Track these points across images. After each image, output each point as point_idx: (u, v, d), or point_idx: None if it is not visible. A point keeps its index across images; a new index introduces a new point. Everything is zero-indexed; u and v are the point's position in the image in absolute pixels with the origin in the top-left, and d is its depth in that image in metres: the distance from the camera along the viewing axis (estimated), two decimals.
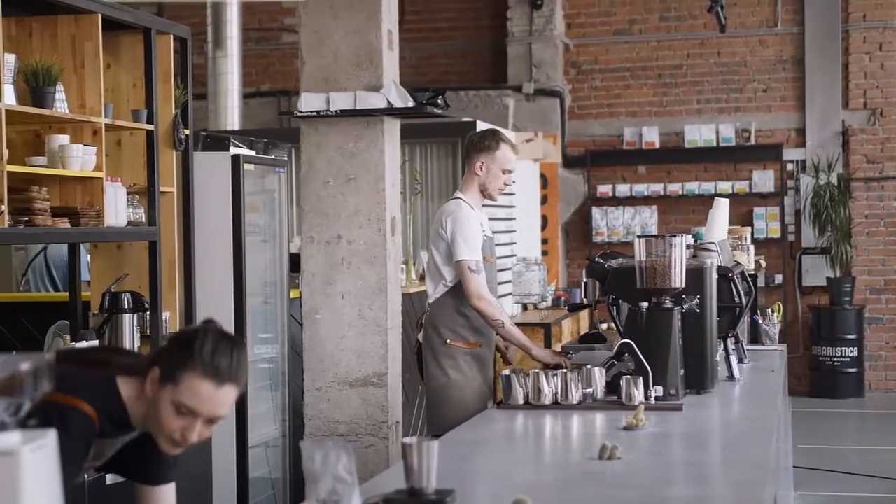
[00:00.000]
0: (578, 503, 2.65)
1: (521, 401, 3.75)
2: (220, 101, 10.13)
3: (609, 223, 11.29)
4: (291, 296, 6.11)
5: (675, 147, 11.31)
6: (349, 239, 4.85)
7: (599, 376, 3.79)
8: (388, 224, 4.86)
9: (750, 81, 11.30)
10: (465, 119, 9.30)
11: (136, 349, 4.96)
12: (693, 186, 11.15)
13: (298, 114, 4.86)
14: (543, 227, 10.78)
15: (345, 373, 4.85)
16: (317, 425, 4.89)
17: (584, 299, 4.66)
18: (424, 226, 8.68)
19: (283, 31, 12.04)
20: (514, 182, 4.99)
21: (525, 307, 9.03)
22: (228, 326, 5.55)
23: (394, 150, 4.97)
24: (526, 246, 9.77)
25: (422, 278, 7.12)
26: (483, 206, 4.84)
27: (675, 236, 3.89)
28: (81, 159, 4.59)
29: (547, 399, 3.72)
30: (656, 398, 3.73)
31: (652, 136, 11.30)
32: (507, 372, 3.82)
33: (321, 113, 4.81)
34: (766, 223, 11.05)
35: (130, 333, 4.90)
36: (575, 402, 3.71)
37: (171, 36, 5.35)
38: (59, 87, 4.54)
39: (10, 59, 4.35)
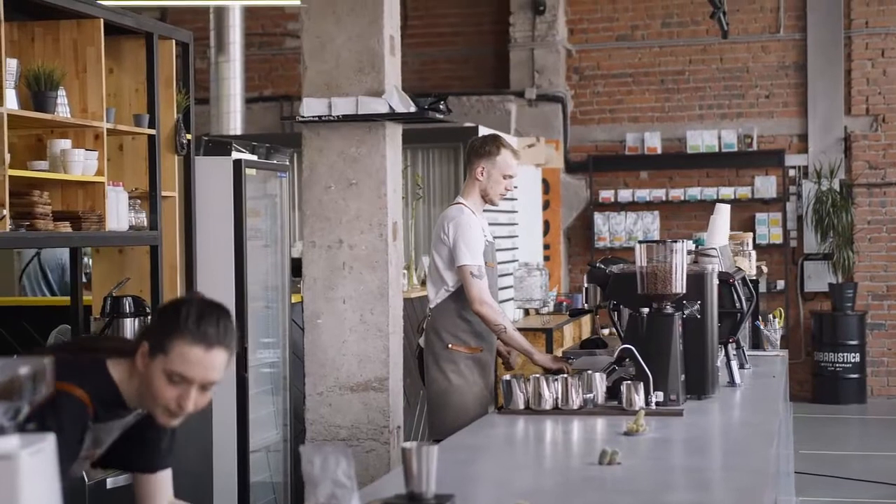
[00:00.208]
0: None
1: (521, 406, 3.75)
2: (223, 105, 10.14)
3: (611, 228, 11.29)
4: (293, 300, 6.11)
5: (677, 153, 11.32)
6: (351, 244, 4.86)
7: (600, 381, 3.79)
8: (390, 229, 4.86)
9: (752, 87, 11.31)
10: (468, 124, 9.30)
11: None
12: (695, 192, 11.15)
13: (300, 119, 4.87)
14: (545, 232, 10.78)
15: (346, 377, 4.86)
16: (318, 430, 4.89)
17: (586, 305, 4.66)
18: (426, 231, 8.68)
19: (285, 35, 12.06)
20: (515, 188, 5.00)
21: (527, 312, 9.03)
22: None
23: (395, 155, 4.97)
24: (528, 251, 9.77)
25: (423, 283, 7.12)
26: (484, 211, 4.85)
27: (675, 242, 3.90)
28: (83, 164, 4.60)
29: (547, 404, 3.72)
30: (657, 403, 3.73)
31: (654, 142, 11.30)
32: (507, 377, 3.82)
33: (323, 118, 4.81)
34: (769, 229, 11.05)
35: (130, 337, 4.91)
36: (575, 408, 3.71)
37: (173, 41, 5.36)
38: (61, 92, 4.55)
39: (13, 63, 4.36)
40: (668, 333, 3.82)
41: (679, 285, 3.85)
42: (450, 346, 4.67)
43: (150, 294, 5.11)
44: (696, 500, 2.75)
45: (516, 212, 9.33)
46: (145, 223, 5.06)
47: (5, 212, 4.14)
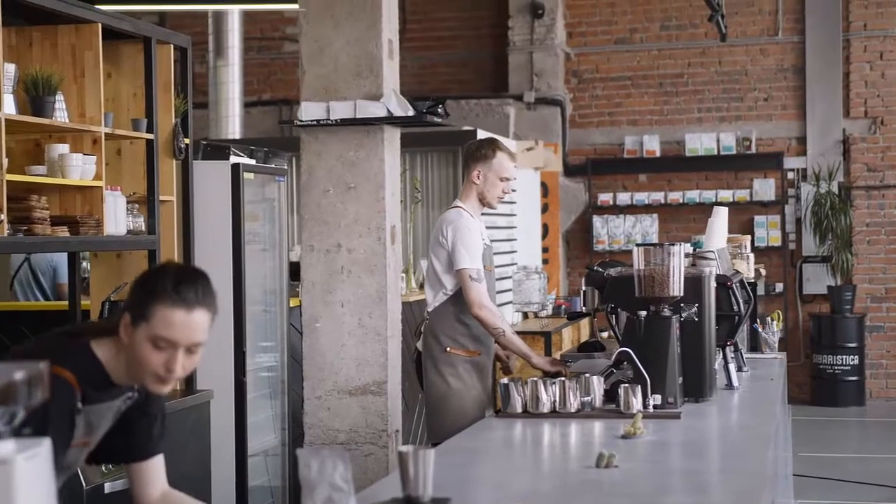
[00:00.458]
0: None
1: (519, 409, 3.75)
2: (221, 109, 10.15)
3: (610, 232, 11.29)
4: (291, 304, 6.12)
5: (675, 156, 11.32)
6: (349, 247, 4.86)
7: (598, 384, 3.79)
8: (388, 233, 4.86)
9: (751, 90, 11.32)
10: (466, 128, 9.31)
11: None
12: (694, 195, 11.15)
13: (299, 123, 4.87)
14: (544, 235, 10.78)
15: (344, 381, 4.86)
16: (316, 434, 4.89)
17: (584, 308, 4.66)
18: (424, 234, 8.68)
19: (284, 40, 12.06)
20: (513, 191, 5.00)
21: (525, 315, 9.03)
22: (228, 335, 5.61)
23: (394, 159, 4.97)
24: (526, 254, 9.77)
25: (422, 287, 7.12)
26: (483, 214, 4.85)
27: (673, 245, 3.90)
28: (81, 168, 4.60)
29: (545, 407, 3.72)
30: (654, 406, 3.73)
31: (653, 145, 11.31)
32: (505, 380, 3.82)
33: (321, 122, 4.82)
34: (767, 231, 11.05)
35: None
36: (573, 411, 3.71)
37: (172, 45, 5.37)
38: (59, 97, 4.55)
39: (10, 68, 4.37)
40: (665, 336, 3.82)
41: (676, 288, 3.86)
42: (448, 349, 4.67)
43: None
44: (694, 503, 2.76)
45: (515, 215, 9.33)
46: (143, 227, 5.06)
47: (3, 216, 4.14)
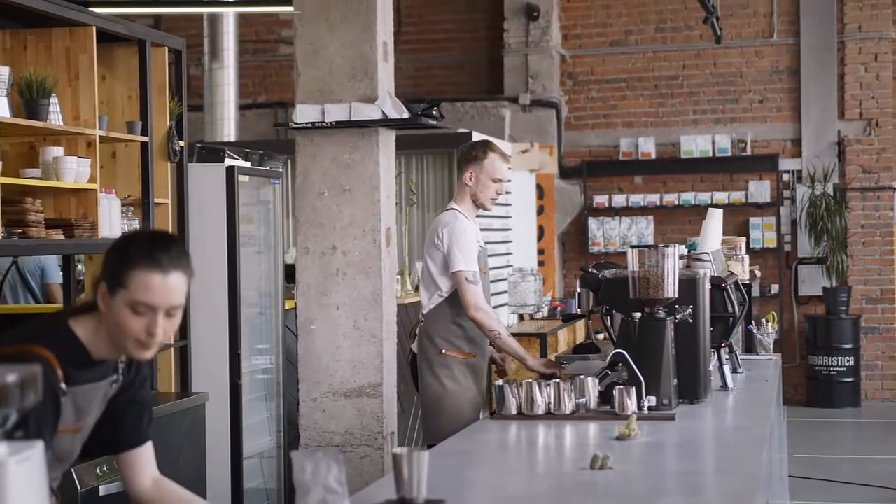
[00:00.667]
0: None
1: (514, 411, 3.75)
2: (217, 112, 10.15)
3: (605, 233, 11.30)
4: (286, 307, 6.11)
5: (671, 157, 11.33)
6: (344, 250, 4.86)
7: (592, 386, 3.79)
8: (383, 235, 4.87)
9: (746, 92, 11.33)
10: (461, 130, 9.32)
11: None
12: (689, 197, 11.16)
13: (294, 125, 4.87)
14: (540, 237, 10.79)
15: (340, 383, 4.86)
16: (312, 436, 4.89)
17: (579, 310, 4.67)
18: (420, 236, 8.68)
19: (279, 42, 12.06)
20: (507, 192, 5.01)
21: (521, 317, 9.03)
22: (223, 338, 5.61)
23: (389, 162, 4.98)
24: (522, 256, 9.78)
25: (417, 289, 7.13)
26: (478, 216, 4.86)
27: (667, 246, 3.90)
28: (76, 171, 4.60)
29: (540, 409, 3.72)
30: (649, 408, 3.73)
31: (648, 147, 11.32)
32: (500, 382, 3.82)
33: (316, 124, 4.82)
34: (763, 233, 11.06)
35: None
36: (568, 412, 3.72)
37: (166, 48, 5.37)
38: (54, 100, 4.55)
39: (5, 71, 4.37)
40: (660, 338, 3.83)
41: (671, 290, 3.86)
42: (443, 351, 4.68)
43: None
44: None
45: (510, 217, 9.34)
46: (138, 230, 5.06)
47: None
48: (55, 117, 4.56)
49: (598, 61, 11.56)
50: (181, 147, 5.39)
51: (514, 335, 4.83)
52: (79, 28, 4.75)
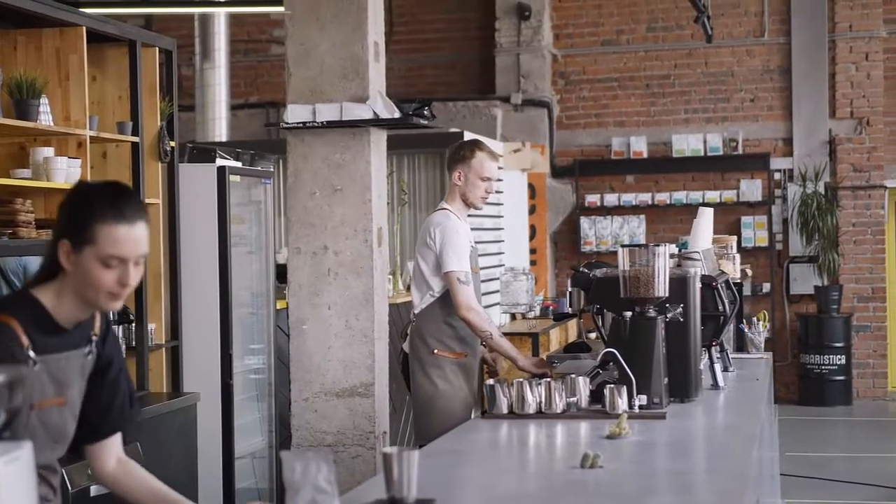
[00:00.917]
0: None
1: (505, 410, 3.75)
2: (208, 112, 10.14)
3: (597, 233, 11.31)
4: (278, 307, 6.11)
5: (662, 157, 11.35)
6: (336, 250, 4.86)
7: (584, 385, 3.79)
8: (375, 235, 4.86)
9: (737, 91, 11.35)
10: (453, 130, 9.32)
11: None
12: (681, 196, 11.18)
13: (285, 125, 4.87)
14: (532, 236, 10.80)
15: (332, 383, 4.85)
16: (304, 436, 4.89)
17: (570, 309, 4.67)
18: (411, 236, 8.68)
19: (271, 42, 12.06)
20: (499, 192, 5.02)
21: (513, 317, 9.04)
22: (214, 337, 5.61)
23: (380, 161, 4.98)
24: (514, 255, 9.78)
25: (409, 288, 7.13)
26: (469, 215, 4.87)
27: (658, 245, 3.91)
28: (66, 171, 4.60)
29: (531, 408, 3.73)
30: (640, 407, 3.74)
31: (640, 146, 11.34)
32: (491, 381, 3.82)
33: (307, 124, 4.81)
34: (754, 232, 11.08)
35: None
36: (559, 411, 3.72)
37: (157, 48, 5.37)
38: (44, 100, 4.55)
39: None
40: (650, 337, 3.83)
41: (661, 289, 3.87)
42: (435, 351, 4.68)
43: (133, 301, 5.11)
44: (678, 503, 2.76)
45: (502, 216, 9.34)
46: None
47: None
48: (45, 118, 4.56)
49: (589, 61, 11.57)
50: (172, 147, 5.39)
51: (505, 334, 4.84)
52: (69, 28, 4.75)
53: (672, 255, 4.29)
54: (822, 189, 10.89)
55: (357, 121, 4.78)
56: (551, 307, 9.30)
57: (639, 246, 3.95)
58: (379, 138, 4.96)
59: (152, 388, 5.24)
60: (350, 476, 4.69)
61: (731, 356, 4.95)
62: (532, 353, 7.72)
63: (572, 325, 8.95)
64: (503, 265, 9.27)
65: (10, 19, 4.67)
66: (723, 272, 5.05)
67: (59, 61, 4.75)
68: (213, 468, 5.54)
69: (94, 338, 2.56)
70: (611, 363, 3.82)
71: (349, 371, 4.84)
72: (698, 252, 4.74)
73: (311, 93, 4.84)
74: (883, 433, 9.78)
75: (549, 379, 3.84)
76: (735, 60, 11.35)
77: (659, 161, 11.33)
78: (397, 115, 4.78)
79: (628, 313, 3.86)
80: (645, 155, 11.34)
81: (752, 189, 11.09)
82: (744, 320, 5.73)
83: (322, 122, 4.79)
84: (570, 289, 4.57)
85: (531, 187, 10.84)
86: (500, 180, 8.85)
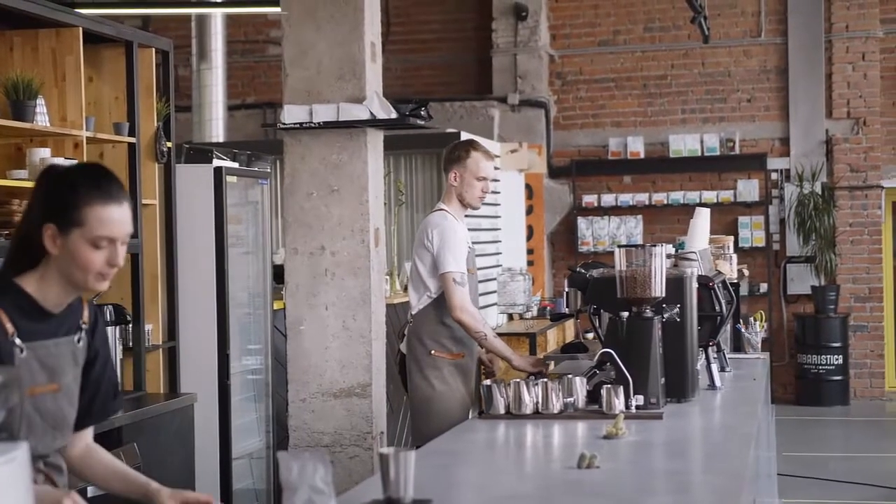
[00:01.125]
0: None
1: (502, 410, 3.75)
2: (205, 113, 10.14)
3: (594, 233, 11.31)
4: (275, 307, 6.11)
5: (659, 157, 11.35)
6: (333, 250, 4.86)
7: (580, 385, 3.79)
8: (372, 235, 4.87)
9: (734, 91, 11.36)
10: (450, 130, 9.32)
11: (118, 363, 4.96)
12: (678, 196, 11.19)
13: (282, 126, 4.87)
14: (529, 237, 10.80)
15: (329, 384, 4.86)
16: (301, 436, 4.89)
17: (567, 309, 4.67)
18: (408, 237, 8.69)
19: (268, 43, 12.05)
20: (494, 192, 5.02)
21: (510, 317, 9.04)
22: (211, 338, 5.61)
23: (377, 162, 4.98)
24: (511, 256, 9.79)
25: (406, 289, 7.13)
26: (466, 216, 4.87)
27: (654, 246, 3.91)
28: None
29: (528, 408, 3.73)
30: (637, 407, 3.74)
31: (637, 146, 11.34)
32: (487, 382, 3.82)
33: (304, 125, 4.82)
34: (751, 232, 11.09)
35: (113, 346, 4.90)
36: (556, 412, 3.72)
37: (153, 49, 5.37)
38: (40, 101, 4.55)
39: None
40: (647, 337, 3.83)
41: (658, 289, 3.87)
42: (433, 352, 4.68)
43: (131, 302, 5.11)
44: (675, 503, 2.77)
45: (499, 217, 9.35)
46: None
47: None
48: (42, 118, 4.55)
49: (586, 61, 11.58)
50: (169, 148, 5.39)
51: (503, 335, 4.84)
52: (65, 29, 4.75)
53: (669, 256, 4.29)
54: (819, 189, 10.90)
55: (354, 121, 4.78)
56: (548, 307, 9.31)
57: (636, 246, 3.95)
58: (376, 139, 4.96)
59: (149, 388, 5.24)
60: (347, 476, 4.69)
61: (728, 356, 4.96)
62: (529, 353, 7.72)
63: (569, 325, 8.96)
64: (500, 265, 9.27)
65: (6, 20, 4.67)
66: (720, 272, 5.06)
67: (55, 62, 4.74)
68: (210, 469, 5.53)
69: (83, 326, 2.56)
70: (607, 363, 3.82)
71: (346, 371, 4.84)
72: (695, 252, 4.74)
73: (308, 93, 4.85)
74: (880, 433, 9.79)
75: (545, 379, 3.84)
76: (732, 61, 11.36)
77: (656, 161, 11.34)
78: (394, 115, 4.78)
79: (625, 313, 3.86)
80: (642, 155, 11.35)
81: (749, 189, 11.09)
82: (741, 320, 5.73)
83: (319, 123, 4.79)
84: (566, 289, 4.58)
85: (528, 188, 10.84)
86: (496, 181, 8.85)
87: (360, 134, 4.85)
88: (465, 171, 4.72)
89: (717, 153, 11.20)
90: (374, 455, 4.82)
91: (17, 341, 2.39)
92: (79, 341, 2.55)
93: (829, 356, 10.71)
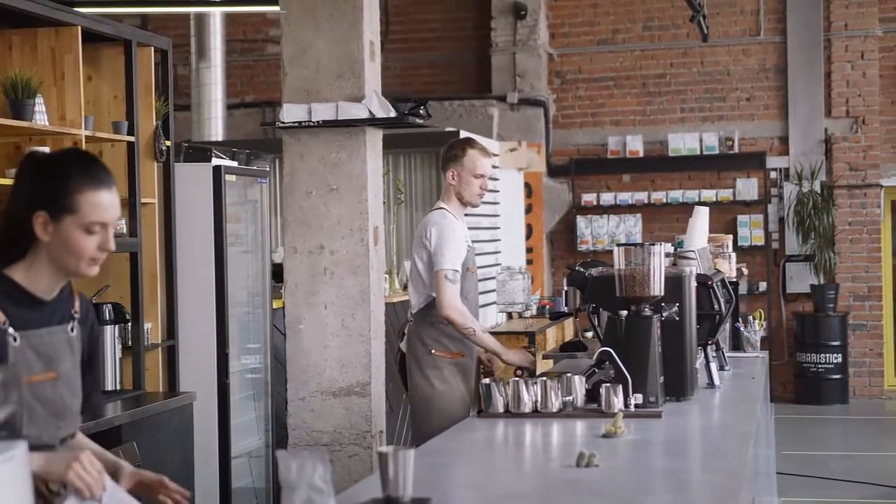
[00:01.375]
0: None
1: (500, 409, 3.75)
2: (204, 112, 10.14)
3: (594, 232, 11.32)
4: (274, 306, 6.11)
5: (658, 156, 11.35)
6: (332, 249, 4.86)
7: (579, 384, 3.79)
8: (371, 234, 4.87)
9: (733, 90, 11.36)
10: (449, 129, 9.32)
11: (117, 362, 4.96)
12: (677, 195, 11.19)
13: (281, 124, 4.87)
14: (528, 235, 10.80)
15: (328, 382, 4.86)
16: (300, 435, 4.89)
17: (566, 308, 4.68)
18: (408, 236, 8.69)
19: (267, 42, 12.05)
20: (494, 191, 5.03)
21: (510, 316, 9.04)
22: (211, 337, 5.61)
23: (376, 161, 4.98)
24: (510, 255, 9.78)
25: (405, 288, 7.13)
26: (466, 214, 4.87)
27: (653, 244, 3.91)
28: None
29: (527, 407, 3.73)
30: (636, 406, 3.74)
31: (636, 145, 11.34)
32: (486, 380, 3.83)
33: (303, 124, 4.82)
34: (750, 231, 11.09)
35: (112, 345, 4.90)
36: (555, 410, 3.72)
37: (152, 48, 5.36)
38: (39, 100, 4.55)
39: None
40: (646, 336, 3.83)
41: (657, 288, 3.87)
42: (433, 351, 4.69)
43: (130, 301, 5.11)
44: (674, 501, 2.77)
45: (499, 216, 9.35)
46: (125, 230, 5.05)
47: None
48: (41, 117, 4.55)
49: (585, 60, 11.58)
50: (168, 147, 5.39)
51: (502, 333, 4.84)
52: (64, 28, 4.75)
53: (668, 254, 4.29)
54: (818, 188, 10.90)
55: (353, 120, 4.78)
56: (548, 306, 9.31)
57: (635, 245, 3.95)
58: (375, 137, 4.96)
59: (148, 387, 5.24)
60: (346, 475, 4.70)
61: (727, 355, 4.96)
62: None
63: (568, 324, 8.96)
64: (500, 264, 9.27)
65: (5, 19, 4.67)
66: (719, 271, 5.06)
67: (54, 61, 4.74)
68: (209, 468, 5.54)
69: (75, 315, 2.57)
70: (606, 362, 3.82)
71: (345, 370, 4.85)
72: (694, 251, 4.74)
73: (307, 92, 4.85)
74: (879, 431, 9.80)
75: (543, 378, 3.84)
76: (731, 59, 11.36)
77: (655, 160, 11.34)
78: (393, 114, 4.79)
79: (624, 312, 3.86)
80: (641, 154, 11.35)
81: (748, 188, 11.10)
82: (740, 319, 5.74)
83: (318, 122, 4.80)
84: (566, 288, 4.59)
85: (527, 186, 10.84)
86: (495, 179, 8.85)
87: (359, 133, 4.85)
88: (462, 170, 4.73)
89: (716, 152, 11.21)
90: (373, 454, 4.82)
91: (10, 330, 2.40)
92: (72, 330, 2.56)
93: (828, 355, 10.71)
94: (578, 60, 11.59)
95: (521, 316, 9.00)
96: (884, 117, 11.14)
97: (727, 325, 5.32)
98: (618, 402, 3.68)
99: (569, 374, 3.82)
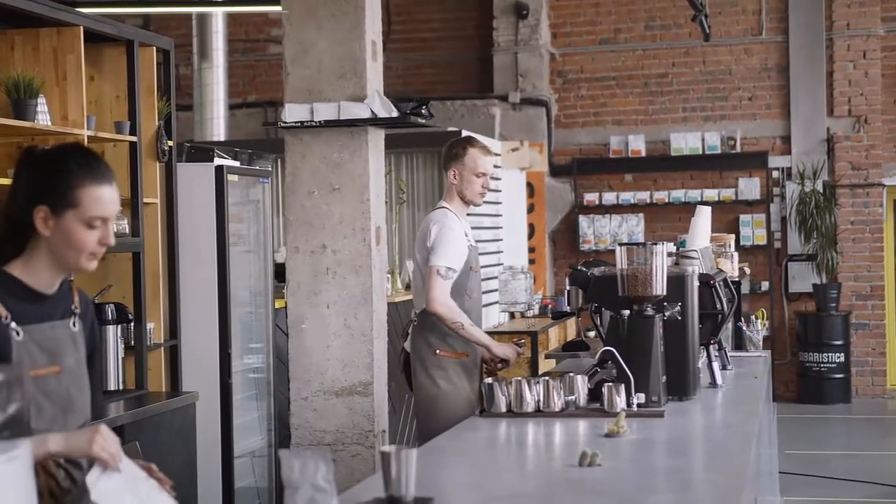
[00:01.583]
0: None
1: (503, 408, 3.76)
2: (206, 112, 10.14)
3: (596, 231, 11.31)
4: (277, 306, 6.12)
5: (661, 155, 11.35)
6: (334, 249, 4.87)
7: (582, 384, 3.79)
8: (373, 234, 4.87)
9: (735, 89, 11.35)
10: (451, 128, 9.32)
11: (120, 362, 4.96)
12: (679, 194, 11.18)
13: (282, 124, 4.88)
14: (530, 235, 10.80)
15: (331, 382, 4.86)
16: (303, 435, 4.90)
17: (569, 307, 4.68)
18: (410, 235, 8.69)
19: (269, 41, 12.06)
20: (497, 191, 5.03)
21: (512, 315, 9.04)
22: (213, 337, 5.61)
23: (378, 160, 4.98)
24: (513, 254, 9.79)
25: (408, 287, 7.13)
26: (468, 214, 4.87)
27: (656, 244, 3.91)
28: None
29: (529, 407, 3.73)
30: (638, 405, 3.74)
31: (638, 145, 11.34)
32: (489, 380, 3.83)
33: (305, 123, 4.82)
34: (753, 230, 11.09)
35: (115, 345, 4.90)
36: (557, 410, 3.72)
37: (154, 48, 5.37)
38: (41, 100, 4.55)
39: None
40: (648, 335, 3.83)
41: (659, 287, 3.87)
42: (438, 351, 4.68)
43: (132, 301, 5.11)
44: (676, 501, 2.77)
45: (501, 215, 9.35)
46: (127, 230, 5.06)
47: None
48: (43, 117, 4.56)
49: (587, 59, 11.57)
50: (170, 147, 5.39)
51: (505, 333, 4.84)
52: (66, 28, 4.75)
53: (670, 254, 4.29)
54: (820, 187, 10.90)
55: (355, 120, 4.79)
56: (550, 306, 9.31)
57: (637, 244, 3.95)
58: (377, 137, 4.97)
59: (151, 387, 5.24)
60: (349, 475, 4.70)
61: (729, 354, 4.96)
62: (531, 352, 7.72)
63: (571, 323, 8.96)
64: (502, 264, 9.27)
65: (7, 19, 4.67)
66: (721, 270, 5.06)
67: (56, 61, 4.75)
68: (212, 467, 5.54)
69: (75, 311, 2.58)
70: (609, 361, 3.82)
71: (348, 370, 4.85)
72: (696, 250, 4.74)
73: (309, 92, 4.85)
74: (882, 431, 9.79)
75: (546, 378, 3.84)
76: (733, 59, 11.35)
77: (657, 160, 11.34)
78: (395, 113, 4.79)
79: (626, 312, 3.86)
80: (643, 153, 11.35)
81: (750, 187, 11.09)
82: (742, 318, 5.73)
83: (320, 122, 4.80)
84: (568, 287, 4.58)
85: (530, 186, 10.84)
86: (497, 179, 8.85)
87: (361, 132, 4.85)
88: (463, 169, 4.72)
89: (719, 151, 11.20)
90: (375, 453, 4.82)
91: (13, 325, 2.40)
92: (74, 325, 2.57)
93: (830, 354, 10.71)
94: (580, 60, 11.59)
95: (523, 315, 9.00)
96: (886, 116, 11.13)
97: (729, 325, 5.32)
98: (620, 402, 3.68)
99: (571, 374, 3.82)
